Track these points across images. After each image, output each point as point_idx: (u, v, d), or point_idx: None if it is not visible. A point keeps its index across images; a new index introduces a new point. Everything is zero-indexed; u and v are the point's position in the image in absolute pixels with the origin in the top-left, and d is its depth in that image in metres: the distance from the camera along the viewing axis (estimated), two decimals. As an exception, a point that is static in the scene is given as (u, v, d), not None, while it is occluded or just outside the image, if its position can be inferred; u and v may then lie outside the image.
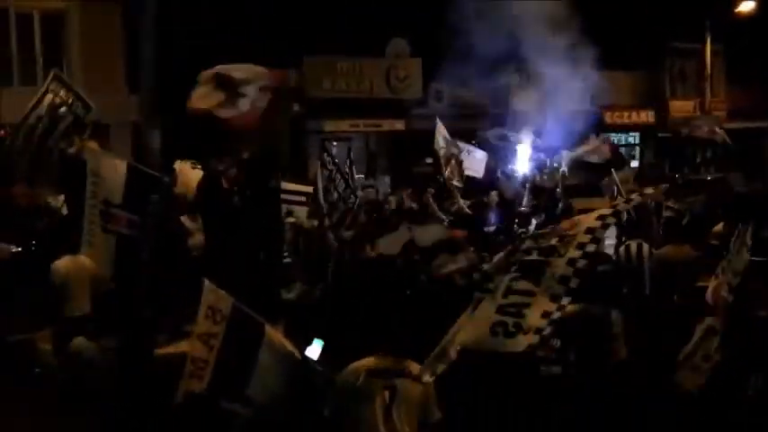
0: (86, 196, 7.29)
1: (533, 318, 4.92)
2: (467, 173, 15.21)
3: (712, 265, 6.69)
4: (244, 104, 9.93)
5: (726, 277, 5.98)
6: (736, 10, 28.19)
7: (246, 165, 10.70)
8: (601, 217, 5.23)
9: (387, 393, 5.14)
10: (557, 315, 4.89)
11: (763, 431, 5.96)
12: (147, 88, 16.61)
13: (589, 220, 5.23)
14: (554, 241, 5.12)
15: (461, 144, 15.63)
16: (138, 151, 17.08)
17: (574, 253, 4.98)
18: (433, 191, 13.71)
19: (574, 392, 6.03)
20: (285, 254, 10.06)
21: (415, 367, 5.24)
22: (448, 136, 14.90)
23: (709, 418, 5.83)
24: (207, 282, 5.15)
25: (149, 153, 15.87)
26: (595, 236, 5.08)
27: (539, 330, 4.89)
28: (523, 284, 5.07)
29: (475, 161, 16.06)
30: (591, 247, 5.02)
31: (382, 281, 7.78)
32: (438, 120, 15.06)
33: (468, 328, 5.07)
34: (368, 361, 5.32)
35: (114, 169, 7.28)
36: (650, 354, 6.57)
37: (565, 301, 4.92)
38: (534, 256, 5.14)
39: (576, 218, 5.56)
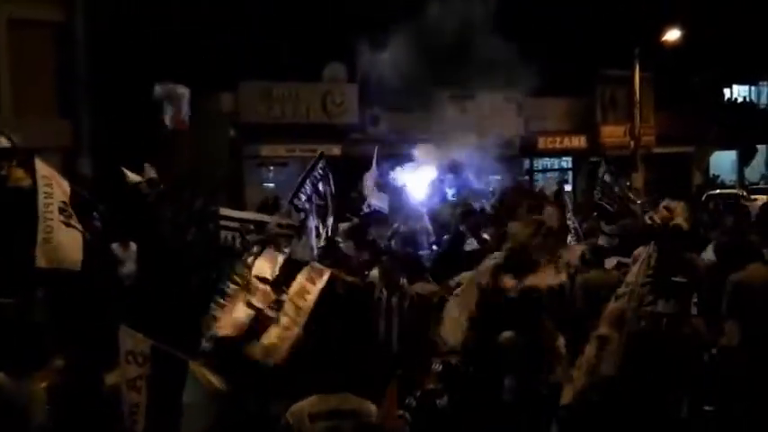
0: (39, 198, 7.28)
1: None
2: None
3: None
4: None
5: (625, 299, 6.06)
6: (663, 38, 29.00)
7: (172, 188, 10.56)
8: None
9: None
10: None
11: None
12: (80, 113, 16.36)
13: None
14: None
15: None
16: (70, 178, 16.76)
17: None
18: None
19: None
20: None
21: (367, 407, 4.99)
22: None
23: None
24: (123, 327, 5.08)
25: (81, 180, 15.59)
26: None
27: None
28: None
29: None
30: None
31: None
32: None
33: None
34: (310, 401, 5.03)
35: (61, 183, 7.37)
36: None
37: None
38: None
39: None
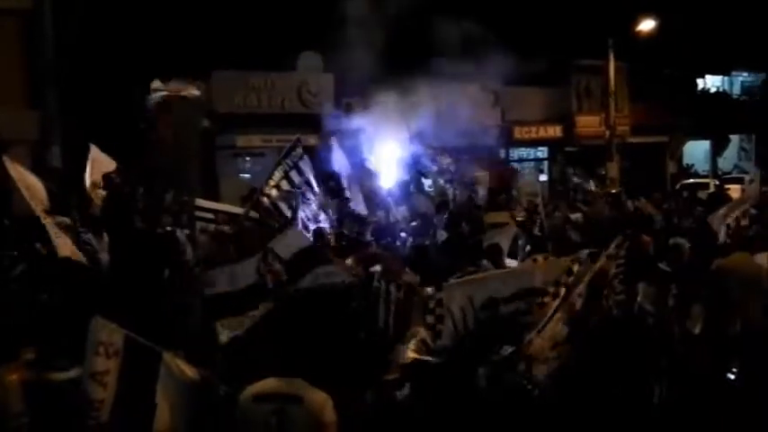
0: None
1: None
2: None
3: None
4: None
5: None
6: (637, 29, 29.11)
7: (144, 178, 10.44)
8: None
9: (274, 420, 4.79)
10: None
11: None
12: (49, 104, 16.08)
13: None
14: None
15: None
16: (39, 170, 16.51)
17: None
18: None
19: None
20: None
21: (314, 395, 4.90)
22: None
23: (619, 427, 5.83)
24: (96, 317, 4.94)
25: (50, 171, 15.32)
26: None
27: None
28: None
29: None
30: None
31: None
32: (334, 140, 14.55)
33: None
34: (260, 383, 5.00)
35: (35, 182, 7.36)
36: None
37: None
38: None
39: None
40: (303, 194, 11.31)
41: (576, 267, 5.78)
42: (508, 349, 5.54)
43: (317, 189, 11.62)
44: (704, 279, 7.74)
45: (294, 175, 11.35)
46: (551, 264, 6.55)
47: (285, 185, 11.25)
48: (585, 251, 6.31)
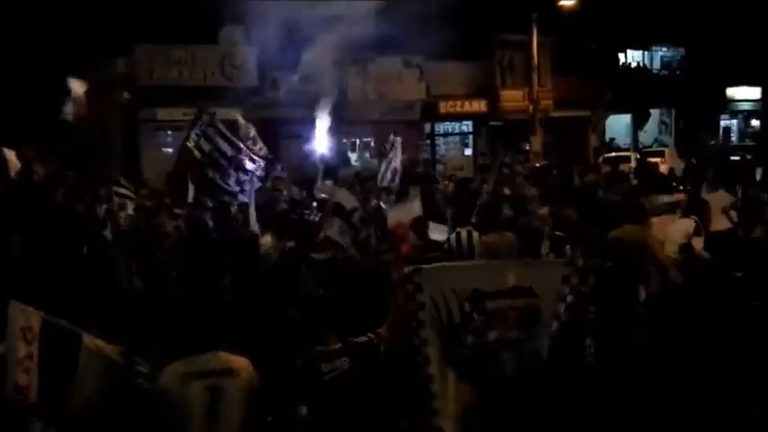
0: None
1: None
2: None
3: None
4: None
5: None
6: (560, 3, 29.42)
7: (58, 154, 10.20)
8: None
9: (209, 396, 4.75)
10: None
11: (602, 394, 6.22)
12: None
13: None
14: None
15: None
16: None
17: None
18: None
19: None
20: None
21: (240, 362, 4.88)
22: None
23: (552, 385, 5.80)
24: (13, 301, 4.81)
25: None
26: None
27: None
28: None
29: None
30: None
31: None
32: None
33: None
34: (181, 362, 4.88)
35: None
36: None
37: None
38: None
39: None
40: (216, 162, 11.16)
41: (574, 279, 5.18)
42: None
43: (230, 154, 11.40)
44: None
45: (204, 143, 11.18)
46: (539, 265, 6.53)
47: (197, 155, 11.07)
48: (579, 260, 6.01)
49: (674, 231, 9.41)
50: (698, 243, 9.13)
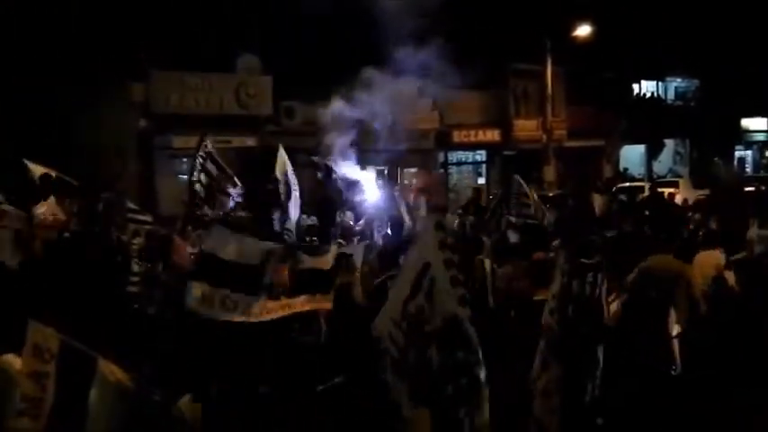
0: None
1: None
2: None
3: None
4: None
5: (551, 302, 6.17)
6: (574, 34, 29.55)
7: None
8: None
9: None
10: None
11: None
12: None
13: None
14: None
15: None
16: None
17: None
18: None
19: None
20: None
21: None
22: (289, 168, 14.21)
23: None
24: (31, 321, 4.84)
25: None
26: None
27: None
28: None
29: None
30: None
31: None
32: (281, 148, 14.13)
33: None
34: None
35: None
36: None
37: None
38: None
39: None
40: (222, 188, 11.37)
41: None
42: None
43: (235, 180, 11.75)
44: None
45: (210, 166, 11.45)
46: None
47: (204, 179, 11.30)
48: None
49: (703, 263, 9.30)
50: (729, 276, 9.08)
